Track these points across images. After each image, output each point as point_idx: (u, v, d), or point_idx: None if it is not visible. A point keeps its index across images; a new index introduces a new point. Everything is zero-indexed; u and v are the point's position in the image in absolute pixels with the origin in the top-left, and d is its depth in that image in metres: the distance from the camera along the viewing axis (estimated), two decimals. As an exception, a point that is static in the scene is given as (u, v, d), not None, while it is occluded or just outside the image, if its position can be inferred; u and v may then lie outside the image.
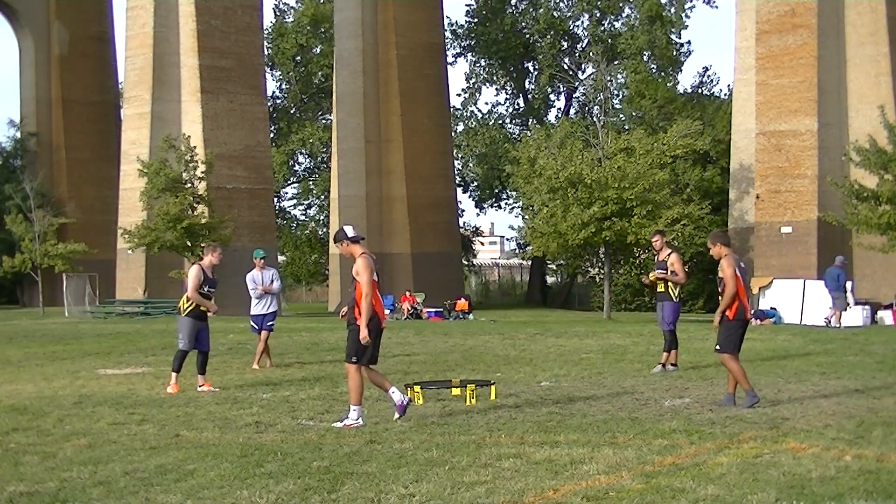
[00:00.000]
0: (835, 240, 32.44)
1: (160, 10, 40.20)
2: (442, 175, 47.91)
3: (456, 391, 11.72)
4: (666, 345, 14.66)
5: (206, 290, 13.12)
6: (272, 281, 16.32)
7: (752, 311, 30.19)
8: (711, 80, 57.59)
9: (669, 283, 14.75)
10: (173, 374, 13.07)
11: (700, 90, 54.46)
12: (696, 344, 18.52)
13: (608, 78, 44.06)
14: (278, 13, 61.82)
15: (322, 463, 7.88)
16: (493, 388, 11.64)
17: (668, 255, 14.80)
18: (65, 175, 51.68)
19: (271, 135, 53.97)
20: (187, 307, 13.10)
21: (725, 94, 52.59)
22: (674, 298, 14.81)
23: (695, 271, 41.00)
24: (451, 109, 53.98)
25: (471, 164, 59.04)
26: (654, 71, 53.12)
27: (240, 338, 21.22)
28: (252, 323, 16.31)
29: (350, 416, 9.78)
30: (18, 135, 54.01)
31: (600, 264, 38.92)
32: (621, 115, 52.19)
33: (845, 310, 26.62)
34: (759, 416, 9.98)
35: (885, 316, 28.73)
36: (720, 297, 10.89)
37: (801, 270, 31.72)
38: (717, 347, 10.83)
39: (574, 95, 56.86)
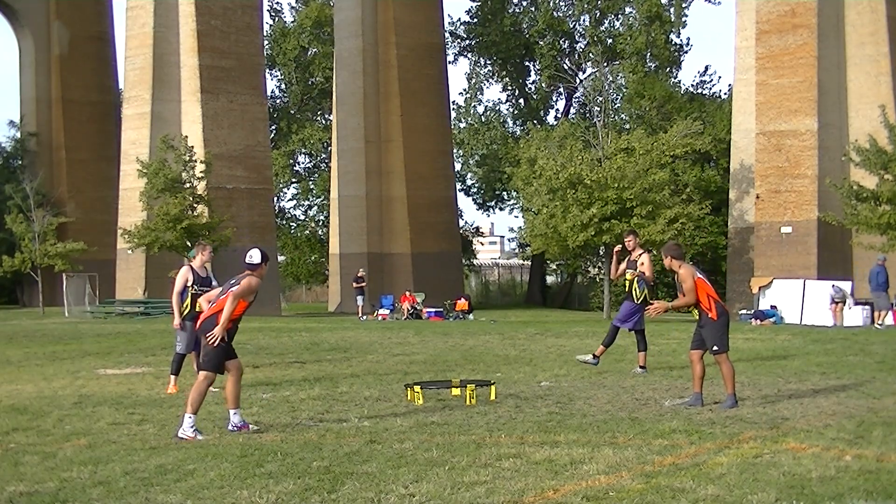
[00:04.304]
0: (835, 240, 32.45)
1: (160, 10, 40.19)
2: (442, 175, 47.87)
3: (456, 391, 11.71)
4: (640, 345, 14.66)
5: (196, 289, 12.87)
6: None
7: (752, 311, 30.26)
8: (711, 80, 57.41)
9: (634, 284, 14.46)
10: (172, 377, 13.09)
11: (700, 90, 54.36)
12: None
13: (609, 79, 44.02)
14: (273, 14, 61.77)
15: (322, 463, 7.88)
16: (493, 388, 11.63)
17: (640, 255, 14.57)
18: (65, 175, 51.61)
19: (271, 135, 53.92)
20: (185, 310, 13.05)
21: (725, 94, 52.51)
22: (635, 300, 14.48)
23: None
24: (453, 108, 53.90)
25: (471, 163, 58.92)
26: (651, 69, 53.01)
27: (239, 337, 21.11)
28: None
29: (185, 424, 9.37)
30: (18, 135, 53.95)
31: (600, 265, 38.92)
32: (622, 115, 52.12)
33: (891, 308, 26.60)
34: (759, 416, 9.98)
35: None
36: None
37: (801, 270, 31.72)
38: (716, 349, 10.77)
39: (574, 96, 56.83)
